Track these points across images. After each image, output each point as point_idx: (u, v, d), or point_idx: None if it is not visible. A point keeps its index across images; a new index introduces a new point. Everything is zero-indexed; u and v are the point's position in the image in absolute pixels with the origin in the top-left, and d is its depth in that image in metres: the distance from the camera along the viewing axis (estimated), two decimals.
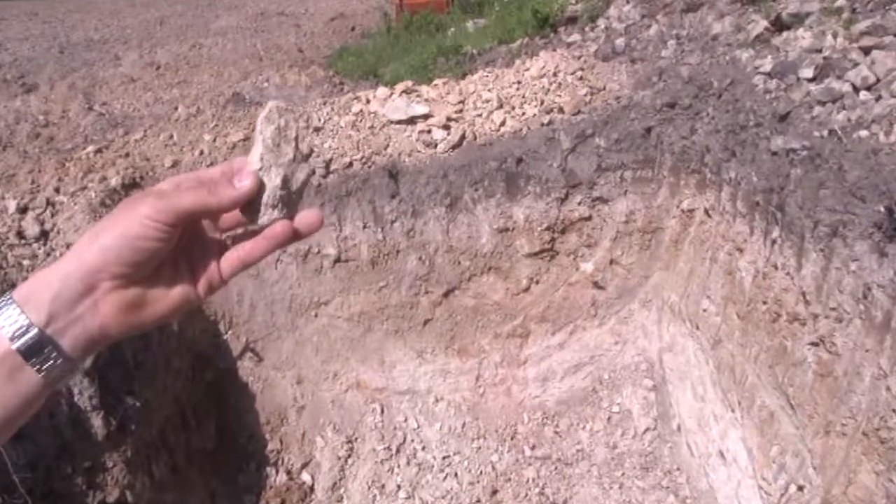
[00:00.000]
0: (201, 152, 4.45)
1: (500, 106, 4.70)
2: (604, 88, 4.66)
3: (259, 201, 0.71)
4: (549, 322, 4.76)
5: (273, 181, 0.71)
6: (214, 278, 0.75)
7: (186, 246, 0.74)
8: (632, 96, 4.48)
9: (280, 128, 0.72)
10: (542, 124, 4.58)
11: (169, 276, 0.72)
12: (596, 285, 4.68)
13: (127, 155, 4.45)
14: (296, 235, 0.75)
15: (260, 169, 0.71)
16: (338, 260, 4.57)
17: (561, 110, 4.62)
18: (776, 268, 3.49)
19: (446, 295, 4.70)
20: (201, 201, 0.69)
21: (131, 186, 4.27)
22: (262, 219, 0.72)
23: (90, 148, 4.40)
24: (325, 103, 4.83)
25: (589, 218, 4.56)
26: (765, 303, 3.57)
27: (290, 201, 0.73)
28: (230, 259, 0.75)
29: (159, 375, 4.09)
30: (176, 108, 5.02)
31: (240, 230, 0.76)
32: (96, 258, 0.65)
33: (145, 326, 0.71)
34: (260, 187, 0.71)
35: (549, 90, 4.71)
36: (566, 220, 4.60)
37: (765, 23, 4.39)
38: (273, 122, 0.72)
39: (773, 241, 3.54)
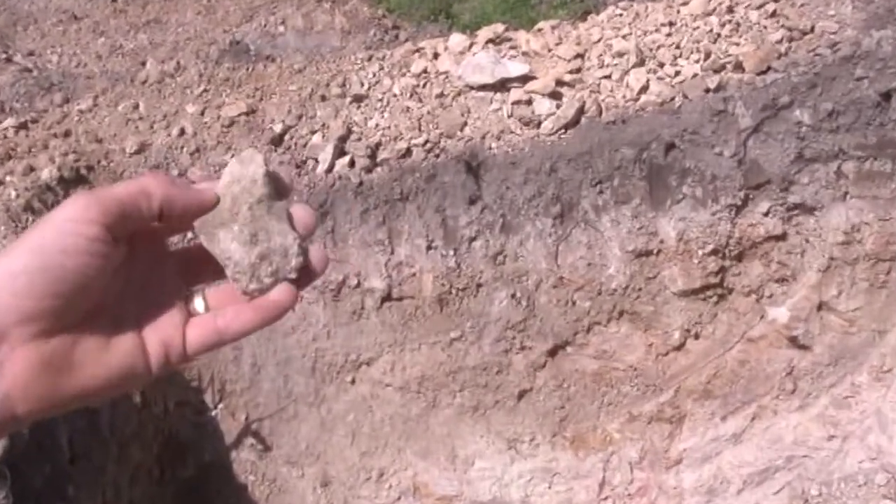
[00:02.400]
0: (182, 132, 4.02)
1: (641, 62, 4.14)
2: (811, 30, 4.20)
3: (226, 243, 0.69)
4: (716, 399, 4.29)
5: (245, 238, 0.68)
6: (175, 346, 0.67)
7: (139, 281, 0.68)
8: (859, 41, 3.98)
9: (248, 176, 0.69)
10: (708, 90, 4.04)
11: (108, 325, 0.65)
12: (794, 343, 4.34)
13: (67, 134, 4.05)
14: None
15: (228, 222, 0.68)
16: (387, 298, 4.14)
17: (738, 67, 4.03)
18: None
19: (553, 353, 4.29)
20: (143, 188, 0.63)
21: (74, 182, 3.89)
22: (243, 285, 0.67)
23: (8, 122, 4.05)
24: (370, 59, 4.41)
25: (782, 236, 4.21)
26: None
27: (274, 257, 0.69)
28: (203, 326, 0.68)
29: (109, 473, 3.74)
30: (143, 64, 4.65)
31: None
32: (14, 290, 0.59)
33: (66, 403, 0.63)
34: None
35: (718, 35, 4.28)
36: (745, 239, 4.11)
37: None
38: (241, 170, 0.70)
39: None
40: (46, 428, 3.49)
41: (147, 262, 0.68)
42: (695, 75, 4.03)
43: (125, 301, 0.66)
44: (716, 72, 4.01)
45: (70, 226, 0.58)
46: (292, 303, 0.67)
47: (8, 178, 3.72)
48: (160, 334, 0.66)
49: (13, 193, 3.64)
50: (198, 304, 0.69)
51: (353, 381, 4.28)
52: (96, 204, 0.59)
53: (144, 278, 0.67)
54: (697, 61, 4.08)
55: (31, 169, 3.77)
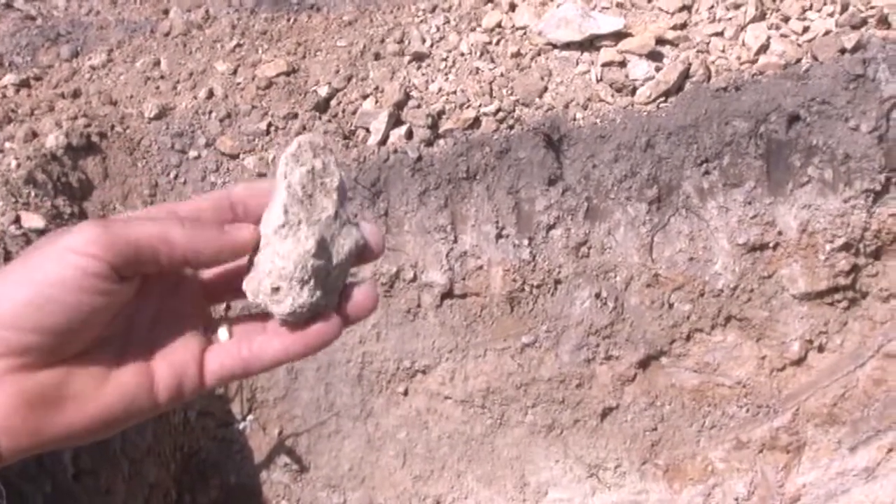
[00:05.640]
0: (210, 94, 3.87)
1: (762, 15, 3.85)
2: None
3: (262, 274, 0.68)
4: (843, 426, 4.06)
5: (303, 244, 0.67)
6: (189, 376, 0.68)
7: (153, 306, 0.69)
8: None
9: (314, 171, 0.69)
10: (843, 50, 3.74)
11: (111, 356, 0.66)
12: None
13: (76, 94, 3.96)
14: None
15: (283, 225, 0.67)
16: (448, 294, 4.02)
17: (883, 22, 3.73)
18: None
19: (645, 365, 4.12)
20: (164, 236, 0.62)
21: (84, 150, 3.80)
22: (285, 304, 0.67)
23: (8, 79, 4.01)
24: (434, 10, 4.21)
25: None
26: None
27: (327, 280, 0.69)
28: (227, 354, 0.69)
29: (118, 494, 3.60)
30: (165, 13, 4.49)
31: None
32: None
33: (56, 440, 0.63)
34: (267, 254, 0.68)
35: None
36: (884, 232, 3.85)
37: None
38: (304, 162, 0.69)
39: None
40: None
41: (164, 284, 0.68)
42: (827, 32, 3.72)
43: (134, 329, 0.67)
44: (854, 28, 3.70)
45: (73, 258, 0.59)
46: (336, 335, 0.68)
47: (7, 145, 3.58)
48: (173, 362, 0.67)
49: (13, 163, 3.48)
50: (221, 334, 0.69)
51: (405, 393, 4.16)
52: (107, 240, 0.59)
53: (160, 302, 0.68)
54: (831, 14, 3.76)
55: (34, 134, 3.65)
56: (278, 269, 0.66)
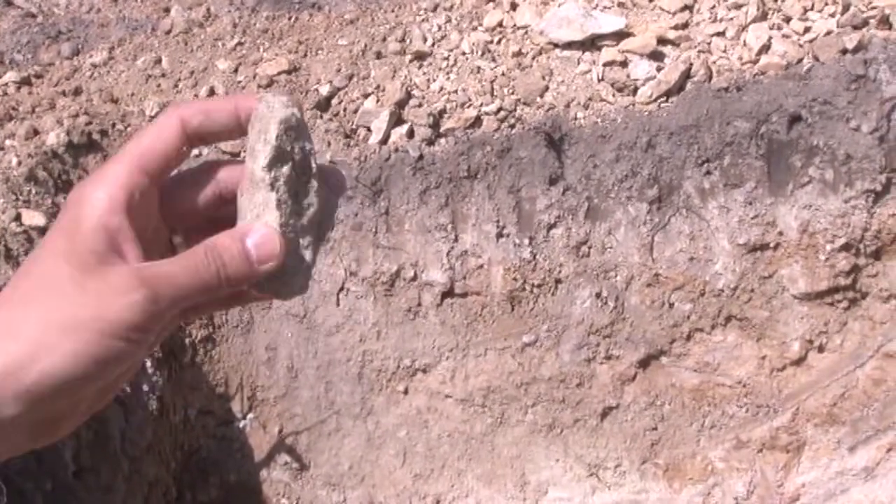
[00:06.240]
0: (211, 92, 3.91)
1: (763, 15, 3.89)
2: None
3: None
4: (843, 426, 4.01)
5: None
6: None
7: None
8: None
9: (290, 124, 0.72)
10: (845, 50, 3.78)
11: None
12: None
13: (77, 92, 3.97)
14: None
15: (271, 176, 0.72)
16: (448, 293, 3.97)
17: (884, 23, 3.76)
18: None
19: (645, 364, 4.06)
20: (203, 285, 0.65)
21: (85, 148, 3.85)
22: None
23: (8, 76, 4.02)
24: (435, 8, 4.20)
25: None
26: None
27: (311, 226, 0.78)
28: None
29: (118, 492, 3.66)
30: (167, 11, 4.56)
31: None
32: (20, 396, 0.58)
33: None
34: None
35: None
36: (884, 232, 3.82)
37: None
38: (277, 112, 0.72)
39: None
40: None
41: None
42: (828, 32, 3.70)
43: None
44: (855, 28, 3.68)
45: (124, 331, 0.61)
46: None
47: (8, 143, 3.57)
48: None
49: (14, 160, 3.49)
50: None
51: (406, 391, 4.08)
52: (152, 308, 0.61)
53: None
54: (833, 15, 3.74)
55: (35, 132, 3.64)
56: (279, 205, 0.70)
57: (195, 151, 4.13)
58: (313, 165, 0.74)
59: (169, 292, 0.62)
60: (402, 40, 3.81)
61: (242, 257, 0.68)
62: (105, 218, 0.62)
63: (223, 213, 0.74)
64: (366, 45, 3.81)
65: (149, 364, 3.82)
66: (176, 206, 0.73)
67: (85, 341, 0.58)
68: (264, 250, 0.68)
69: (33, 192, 3.49)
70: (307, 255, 0.74)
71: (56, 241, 0.63)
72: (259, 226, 0.70)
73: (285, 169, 0.71)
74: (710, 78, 3.81)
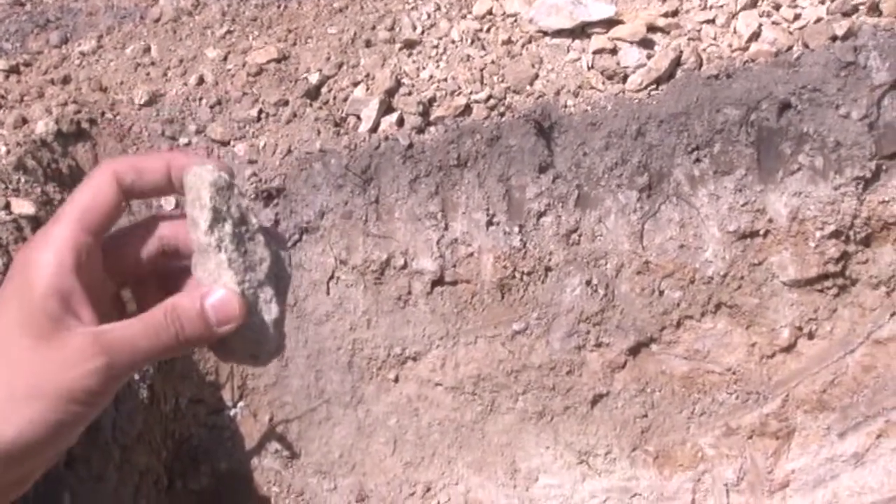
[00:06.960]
0: (200, 80, 3.94)
1: (753, 3, 3.92)
2: None
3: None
4: (832, 412, 4.05)
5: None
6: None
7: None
8: None
9: (220, 185, 0.74)
10: (834, 37, 3.80)
11: None
12: None
13: (66, 80, 3.99)
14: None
15: (215, 237, 0.74)
16: (439, 282, 4.02)
17: (874, 9, 3.78)
18: None
19: (635, 352, 4.11)
20: (162, 347, 0.67)
21: (74, 137, 3.88)
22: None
23: None
24: None
25: None
26: None
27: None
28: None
29: (110, 480, 3.69)
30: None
31: None
32: None
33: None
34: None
35: None
36: (874, 219, 3.86)
37: None
38: (206, 177, 0.73)
39: None
40: None
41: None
42: (818, 20, 3.73)
43: None
44: (845, 15, 3.69)
45: (83, 395, 0.62)
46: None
47: None
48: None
49: (3, 149, 3.49)
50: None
51: (396, 380, 4.11)
52: (117, 371, 0.64)
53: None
54: (822, 2, 3.75)
55: (24, 121, 3.64)
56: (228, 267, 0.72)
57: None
58: (253, 220, 0.75)
59: (128, 358, 0.63)
60: (392, 28, 3.81)
61: (201, 319, 0.68)
62: (56, 281, 0.63)
63: (168, 266, 0.75)
64: (355, 34, 3.81)
65: None
66: (120, 262, 0.73)
67: (44, 409, 0.59)
68: (223, 311, 0.69)
69: (22, 180, 3.49)
70: (273, 308, 0.75)
71: (9, 310, 0.64)
72: (218, 287, 0.70)
73: (227, 227, 0.72)
74: (700, 65, 3.82)
